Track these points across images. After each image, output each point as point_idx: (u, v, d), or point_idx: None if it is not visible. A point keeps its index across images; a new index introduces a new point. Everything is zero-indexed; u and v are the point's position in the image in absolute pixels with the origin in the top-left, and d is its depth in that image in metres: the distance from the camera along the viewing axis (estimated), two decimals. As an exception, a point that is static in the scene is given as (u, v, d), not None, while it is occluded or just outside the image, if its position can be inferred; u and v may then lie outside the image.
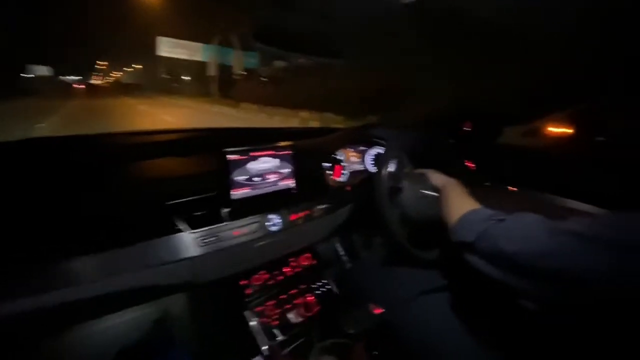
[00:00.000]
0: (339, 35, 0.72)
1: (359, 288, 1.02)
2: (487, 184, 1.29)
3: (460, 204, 0.73)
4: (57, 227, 0.67)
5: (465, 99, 1.28)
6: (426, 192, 0.91)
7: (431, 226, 0.94)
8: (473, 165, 1.37)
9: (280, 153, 0.95)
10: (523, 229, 0.54)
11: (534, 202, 1.12)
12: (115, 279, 0.71)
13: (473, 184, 0.94)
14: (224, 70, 22.85)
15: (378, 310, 0.82)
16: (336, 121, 9.33)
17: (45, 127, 7.47)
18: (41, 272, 0.63)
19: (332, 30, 0.68)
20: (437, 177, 0.92)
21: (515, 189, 1.23)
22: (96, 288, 0.68)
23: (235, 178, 0.88)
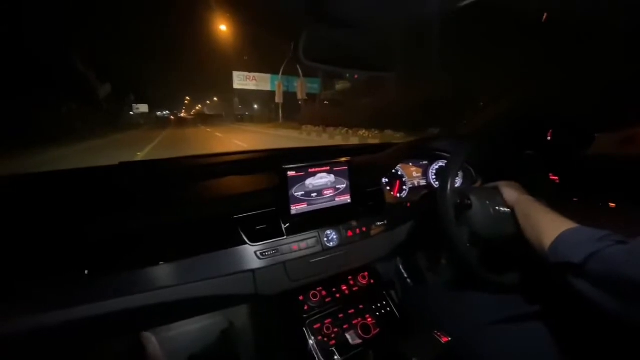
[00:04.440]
0: (390, 48, 0.72)
1: (422, 312, 0.94)
2: (574, 199, 1.11)
3: (551, 221, 0.65)
4: (137, 236, 0.76)
5: (544, 104, 1.15)
6: (500, 208, 0.82)
7: (506, 246, 0.84)
8: (557, 178, 1.19)
9: (337, 169, 0.96)
10: None
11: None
12: (185, 286, 0.77)
13: (558, 200, 0.82)
14: (289, 96, 24.44)
15: (445, 339, 0.73)
16: (395, 138, 9.17)
17: (142, 155, 8.83)
18: (120, 278, 0.71)
19: (383, 44, 0.68)
20: (510, 192, 0.83)
21: (613, 205, 1.03)
22: (167, 295, 0.75)
23: (294, 193, 0.91)
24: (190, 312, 0.95)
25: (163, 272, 0.75)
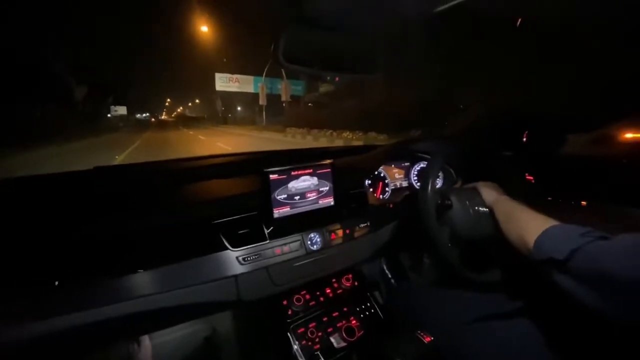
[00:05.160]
0: (371, 50, 0.72)
1: (406, 313, 0.95)
2: (549, 198, 1.15)
3: (533, 220, 0.66)
4: (111, 244, 0.73)
5: (520, 106, 1.19)
6: (479, 208, 0.84)
7: (486, 245, 0.86)
8: (532, 178, 1.23)
9: (320, 171, 0.96)
10: (638, 248, 0.46)
11: (611, 217, 0.96)
12: (165, 294, 0.74)
13: (533, 199, 0.85)
14: (273, 99, 24.29)
15: (428, 338, 0.74)
16: (379, 139, 9.31)
17: (120, 158, 8.55)
18: (95, 287, 0.68)
19: (365, 46, 0.68)
20: (489, 192, 0.85)
21: (584, 203, 1.08)
22: (147, 303, 0.72)
23: (277, 197, 0.89)
24: (171, 321, 0.92)
25: (141, 280, 0.73)
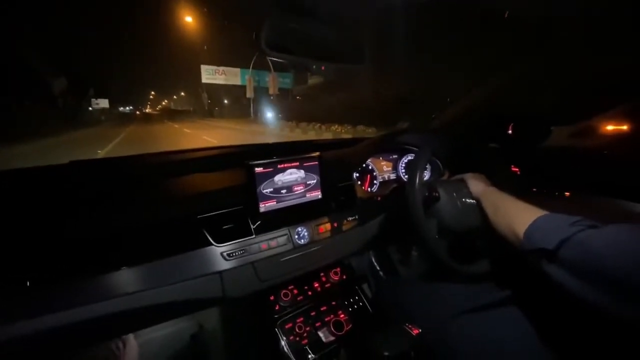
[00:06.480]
0: (357, 40, 0.70)
1: (394, 306, 0.95)
2: (534, 189, 1.17)
3: (522, 210, 0.65)
4: (92, 241, 0.70)
5: (505, 99, 1.20)
6: (466, 200, 0.84)
7: (474, 237, 0.87)
8: (517, 169, 1.25)
9: (307, 164, 0.94)
10: (628, 238, 0.46)
11: (594, 207, 0.98)
12: (148, 292, 0.72)
13: (518, 190, 0.85)
14: (261, 92, 23.94)
15: (416, 331, 0.74)
16: (368, 132, 9.34)
17: (102, 153, 8.30)
18: (77, 286, 0.65)
19: (350, 35, 0.66)
20: (476, 184, 0.85)
21: (568, 193, 1.10)
22: (129, 302, 0.70)
23: (262, 190, 0.87)
24: (156, 318, 0.89)
25: (125, 277, 0.70)
